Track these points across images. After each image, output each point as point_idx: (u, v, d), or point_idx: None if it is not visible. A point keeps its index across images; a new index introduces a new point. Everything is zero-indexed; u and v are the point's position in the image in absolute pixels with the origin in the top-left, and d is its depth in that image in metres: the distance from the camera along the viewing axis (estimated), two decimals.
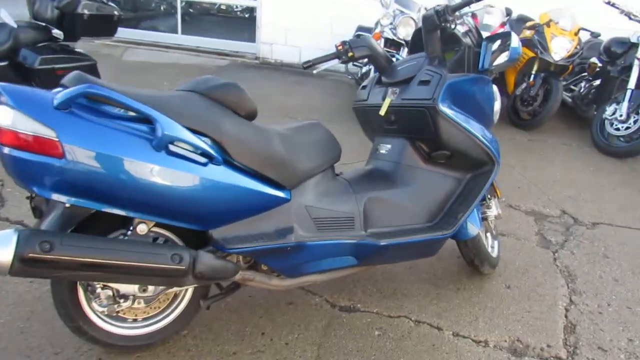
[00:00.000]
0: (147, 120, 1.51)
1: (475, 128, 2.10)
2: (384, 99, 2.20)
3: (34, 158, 1.38)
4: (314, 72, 2.33)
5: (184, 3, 8.05)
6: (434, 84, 2.03)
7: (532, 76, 4.99)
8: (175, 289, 1.78)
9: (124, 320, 1.78)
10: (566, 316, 2.25)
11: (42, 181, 1.41)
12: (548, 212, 3.29)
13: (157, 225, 1.67)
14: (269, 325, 2.03)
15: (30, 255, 1.33)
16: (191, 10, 8.67)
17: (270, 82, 6.00)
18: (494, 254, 2.51)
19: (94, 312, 1.69)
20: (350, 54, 2.18)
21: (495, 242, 2.59)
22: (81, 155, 1.41)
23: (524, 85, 5.08)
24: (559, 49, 4.80)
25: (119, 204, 1.50)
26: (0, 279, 2.11)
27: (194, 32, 7.65)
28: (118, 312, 1.70)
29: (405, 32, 4.58)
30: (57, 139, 1.39)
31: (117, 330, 1.75)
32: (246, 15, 8.01)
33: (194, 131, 1.58)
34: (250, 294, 2.20)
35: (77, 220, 1.57)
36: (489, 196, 2.42)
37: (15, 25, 3.64)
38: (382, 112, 2.18)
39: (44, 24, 3.85)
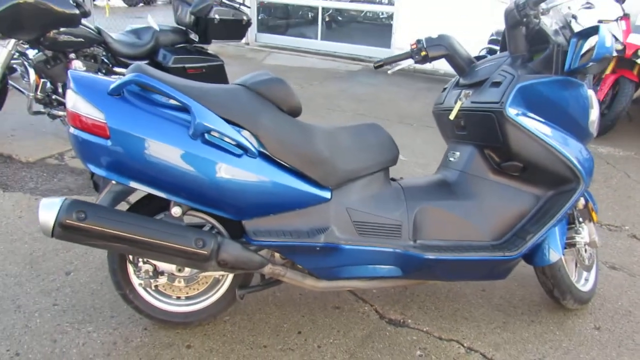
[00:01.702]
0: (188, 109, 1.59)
1: (556, 138, 1.82)
2: (456, 102, 2.02)
3: (86, 137, 1.55)
4: (389, 72, 2.24)
5: (330, 11, 8.35)
6: (504, 85, 1.81)
7: None
8: (215, 273, 1.85)
9: (168, 296, 1.90)
10: None
11: (93, 158, 1.57)
12: None
13: (204, 212, 1.75)
14: (307, 325, 2.00)
15: (67, 221, 1.49)
16: (340, 18, 8.94)
17: (397, 88, 5.92)
18: (586, 287, 2.15)
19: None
20: (423, 53, 2.05)
21: (591, 275, 2.21)
22: (124, 138, 1.54)
23: None
24: None
25: (156, 186, 1.60)
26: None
27: (334, 38, 7.87)
28: (157, 286, 1.83)
29: None
30: (104, 121, 1.53)
31: (159, 304, 1.88)
32: (391, 22, 8.00)
33: (232, 123, 1.62)
34: (300, 292, 2.19)
35: (125, 197, 1.73)
36: (580, 219, 2.08)
37: (157, 29, 4.12)
38: (452, 116, 2.01)
39: (183, 28, 4.30)
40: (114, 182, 1.65)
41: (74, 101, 1.56)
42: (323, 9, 7.86)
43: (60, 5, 3.35)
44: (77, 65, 3.70)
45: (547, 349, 1.94)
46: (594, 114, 1.93)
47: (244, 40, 8.04)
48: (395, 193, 1.90)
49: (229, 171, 1.60)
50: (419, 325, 2.04)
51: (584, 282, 2.19)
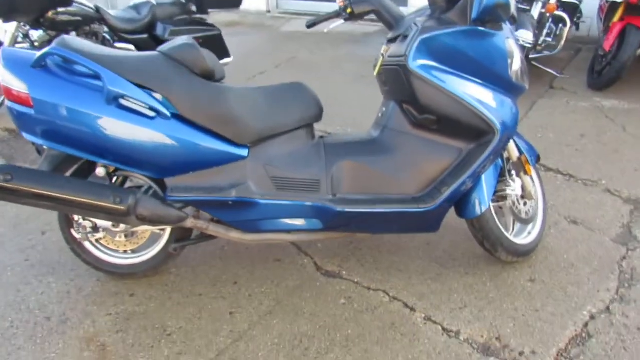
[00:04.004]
0: None
1: (466, 90, 1.81)
2: (378, 58, 2.04)
3: (17, 108, 1.72)
4: (325, 30, 2.26)
5: None
6: (409, 38, 1.81)
7: None
8: (150, 228, 2.00)
9: (116, 250, 2.09)
10: (586, 324, 1.84)
11: (25, 127, 1.75)
12: None
13: (131, 173, 1.90)
14: (245, 277, 2.14)
15: None
16: None
17: None
18: (526, 240, 2.15)
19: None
20: (349, 10, 2.06)
21: (535, 228, 2.20)
22: (45, 106, 1.70)
23: None
24: None
25: (81, 149, 1.76)
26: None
27: None
28: (99, 240, 2.02)
29: None
30: (27, 92, 1.69)
31: (106, 257, 2.07)
32: None
33: (144, 87, 1.74)
34: (247, 247, 2.32)
35: (59, 161, 1.90)
36: (512, 172, 2.06)
37: (154, 2, 4.27)
38: (375, 72, 2.03)
39: (182, 1, 4.42)
40: (45, 147, 1.83)
41: (4, 75, 1.72)
42: None
43: None
44: None
45: (472, 299, 1.98)
46: (516, 64, 1.89)
47: (265, 8, 8.11)
48: (315, 149, 1.97)
49: (143, 133, 1.73)
50: (351, 276, 2.12)
51: (526, 235, 2.18)
